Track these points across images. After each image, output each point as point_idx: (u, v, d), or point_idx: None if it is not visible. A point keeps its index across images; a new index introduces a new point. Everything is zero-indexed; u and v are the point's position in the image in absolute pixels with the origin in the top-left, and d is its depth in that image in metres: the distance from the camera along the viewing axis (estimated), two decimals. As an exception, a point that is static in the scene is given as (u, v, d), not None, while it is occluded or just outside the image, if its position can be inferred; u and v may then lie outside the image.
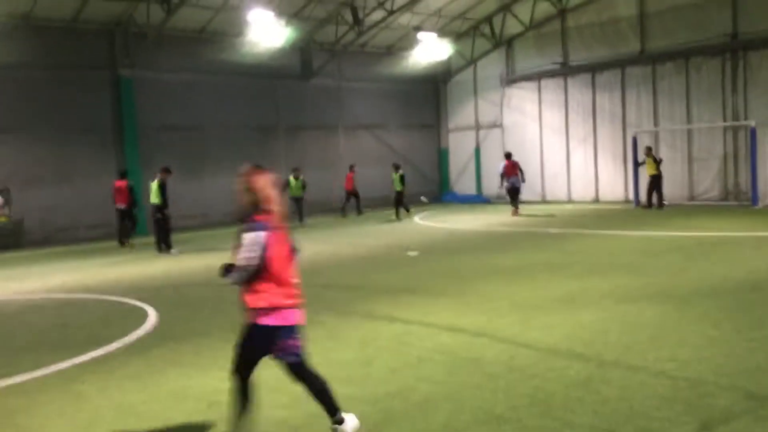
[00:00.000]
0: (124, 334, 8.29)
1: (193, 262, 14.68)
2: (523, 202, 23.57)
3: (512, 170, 22.24)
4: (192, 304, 10.10)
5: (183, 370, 6.72)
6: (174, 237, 17.68)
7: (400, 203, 22.95)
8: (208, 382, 6.31)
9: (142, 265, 14.63)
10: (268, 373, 5.17)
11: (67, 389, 6.30)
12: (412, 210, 23.65)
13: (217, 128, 24.24)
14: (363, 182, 27.89)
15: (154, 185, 16.44)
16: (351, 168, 25.26)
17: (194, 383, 6.29)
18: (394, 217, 22.79)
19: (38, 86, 20.56)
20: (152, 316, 9.32)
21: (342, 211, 24.68)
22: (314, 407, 4.89)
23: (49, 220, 20.62)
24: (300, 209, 22.49)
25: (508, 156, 22.79)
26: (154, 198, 16.40)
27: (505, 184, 22.40)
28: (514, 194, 22.19)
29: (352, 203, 24.90)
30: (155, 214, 16.46)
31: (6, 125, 20.03)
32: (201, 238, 19.65)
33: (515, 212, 21.77)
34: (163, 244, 16.41)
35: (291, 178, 22.75)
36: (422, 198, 26.95)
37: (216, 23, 23.30)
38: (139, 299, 10.53)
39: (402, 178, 23.08)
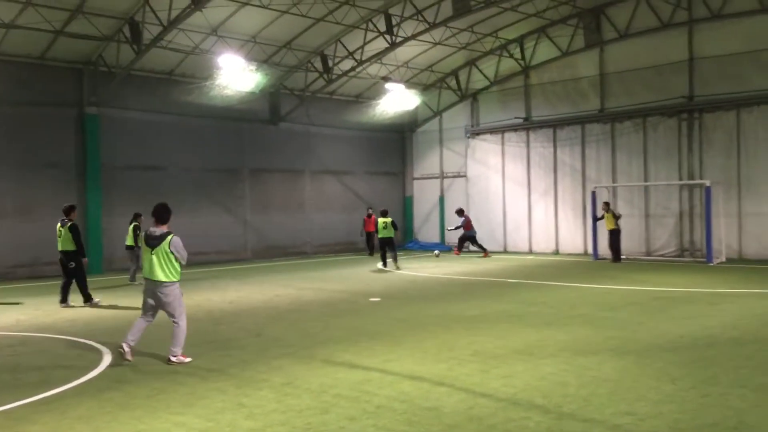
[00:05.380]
0: (77, 375, 8.08)
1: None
2: (473, 252, 26.20)
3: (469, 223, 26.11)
4: (149, 345, 9.88)
5: (135, 413, 6.56)
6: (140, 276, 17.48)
7: None
8: (161, 425, 6.17)
9: (99, 305, 14.31)
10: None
11: (17, 430, 6.10)
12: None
13: (181, 169, 24.10)
14: (327, 227, 28.01)
15: (64, 230, 14.09)
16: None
17: (146, 427, 6.14)
18: None
19: (3, 121, 20.27)
20: (106, 357, 9.10)
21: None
22: None
23: (8, 256, 20.11)
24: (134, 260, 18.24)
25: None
26: (68, 245, 14.05)
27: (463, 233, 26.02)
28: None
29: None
30: (69, 262, 14.14)
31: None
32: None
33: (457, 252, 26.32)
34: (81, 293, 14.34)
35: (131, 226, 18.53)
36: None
37: (186, 66, 23.40)
38: (94, 340, 10.29)
39: None
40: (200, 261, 23.82)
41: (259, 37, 22.72)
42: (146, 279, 8.72)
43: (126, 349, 8.55)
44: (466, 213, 26.49)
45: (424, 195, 31.15)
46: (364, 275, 19.72)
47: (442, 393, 6.99)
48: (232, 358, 8.88)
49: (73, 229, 14.03)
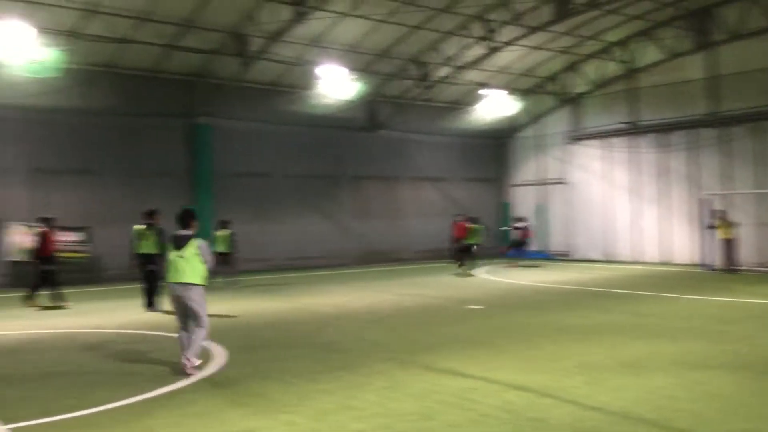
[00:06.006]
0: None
1: (261, 305, 14.92)
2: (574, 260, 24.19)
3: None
4: (260, 346, 10.26)
5: (246, 411, 6.79)
6: (239, 279, 18.19)
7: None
8: (270, 423, 6.35)
9: (212, 305, 14.85)
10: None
11: (137, 424, 6.47)
12: None
13: (285, 176, 24.91)
14: (424, 233, 28.04)
15: (149, 233, 14.30)
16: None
17: (256, 425, 6.32)
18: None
19: (119, 131, 21.68)
20: (220, 355, 9.49)
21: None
22: None
23: (123, 259, 21.27)
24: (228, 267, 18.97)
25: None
26: (152, 248, 14.23)
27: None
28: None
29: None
30: (150, 265, 14.25)
31: (88, 167, 21.17)
32: (266, 282, 19.97)
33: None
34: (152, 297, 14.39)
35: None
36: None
37: (288, 76, 24.08)
38: (209, 338, 10.68)
39: None
40: (302, 266, 24.50)
41: (357, 46, 23.10)
42: (171, 284, 8.52)
43: (190, 363, 8.41)
44: (522, 222, 26.48)
45: (522, 202, 30.67)
46: (461, 282, 19.65)
47: (547, 404, 6.87)
48: (336, 361, 9.06)
49: (161, 233, 14.21)
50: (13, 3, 17.22)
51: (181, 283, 8.44)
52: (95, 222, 20.83)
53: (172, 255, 8.53)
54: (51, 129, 20.80)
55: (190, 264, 8.44)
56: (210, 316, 9.06)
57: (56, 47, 18.05)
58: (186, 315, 8.59)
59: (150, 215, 14.58)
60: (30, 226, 15.36)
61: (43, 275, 15.04)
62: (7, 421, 6.49)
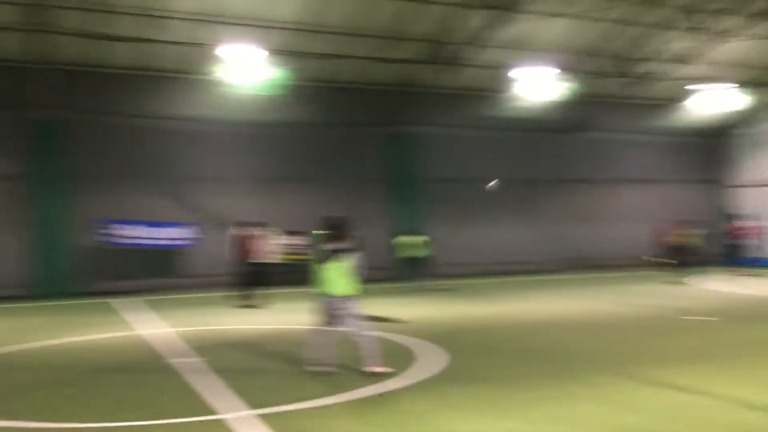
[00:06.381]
0: (409, 371, 8.65)
1: (463, 309, 15.14)
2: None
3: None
4: (465, 350, 10.26)
5: (459, 414, 6.80)
6: (437, 283, 18.45)
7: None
8: (484, 429, 6.33)
9: (428, 308, 15.29)
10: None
11: (359, 419, 6.76)
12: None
13: (484, 181, 24.97)
14: (629, 239, 26.69)
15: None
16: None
17: (472, 429, 6.34)
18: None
19: (331, 141, 23.20)
20: (427, 358, 9.59)
21: None
22: None
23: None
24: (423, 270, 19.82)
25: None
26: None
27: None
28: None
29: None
30: None
31: (305, 176, 22.90)
32: (466, 287, 20.16)
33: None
34: None
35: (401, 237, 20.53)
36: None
37: (485, 80, 24.08)
38: (430, 339, 10.95)
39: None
40: (501, 271, 24.42)
41: (558, 46, 22.59)
42: (323, 295, 8.50)
43: (326, 369, 8.54)
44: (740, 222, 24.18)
45: (741, 204, 28.04)
46: (672, 291, 18.44)
47: (791, 427, 6.27)
48: (543, 369, 8.88)
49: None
50: (250, 28, 19.03)
51: (335, 295, 8.44)
52: (314, 227, 22.32)
53: (325, 267, 8.49)
54: (273, 141, 22.81)
55: (342, 276, 8.40)
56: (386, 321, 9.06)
57: (282, 66, 19.65)
58: (331, 321, 8.61)
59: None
60: (248, 229, 16.65)
61: (248, 276, 16.17)
62: (254, 407, 7.16)
